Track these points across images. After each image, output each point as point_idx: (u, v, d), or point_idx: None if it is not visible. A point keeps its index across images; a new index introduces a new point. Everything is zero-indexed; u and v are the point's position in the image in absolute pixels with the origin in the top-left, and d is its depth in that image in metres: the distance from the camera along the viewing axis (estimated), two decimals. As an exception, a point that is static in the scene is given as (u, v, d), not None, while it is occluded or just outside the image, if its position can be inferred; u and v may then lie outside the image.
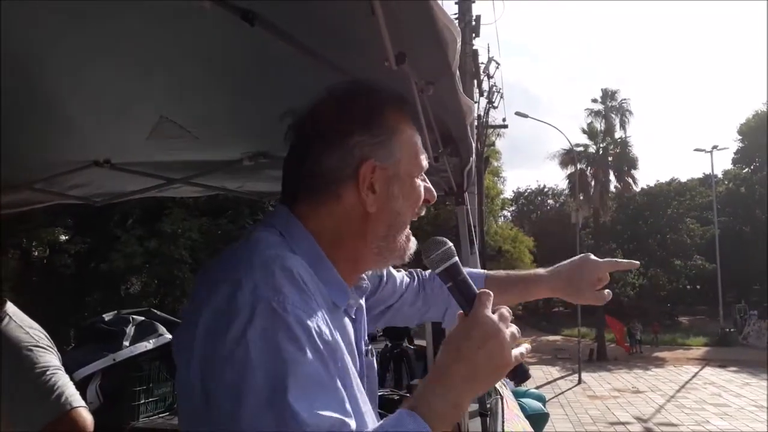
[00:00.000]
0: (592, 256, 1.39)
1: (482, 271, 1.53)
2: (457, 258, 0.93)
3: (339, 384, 0.78)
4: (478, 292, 0.89)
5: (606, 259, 1.39)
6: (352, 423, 0.75)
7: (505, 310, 0.88)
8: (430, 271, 1.44)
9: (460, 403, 0.83)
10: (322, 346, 0.78)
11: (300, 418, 0.71)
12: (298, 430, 0.71)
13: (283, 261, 0.83)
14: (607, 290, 1.38)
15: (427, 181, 1.04)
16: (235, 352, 0.74)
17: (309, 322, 0.78)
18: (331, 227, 0.95)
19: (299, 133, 0.99)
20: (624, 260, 1.42)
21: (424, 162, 1.03)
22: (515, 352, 0.86)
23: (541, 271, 1.48)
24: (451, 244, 0.95)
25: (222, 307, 0.79)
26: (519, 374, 0.88)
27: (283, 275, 0.81)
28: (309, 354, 0.76)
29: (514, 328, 0.87)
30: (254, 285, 0.79)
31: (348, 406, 0.78)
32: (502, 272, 1.53)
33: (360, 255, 0.98)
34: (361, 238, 0.96)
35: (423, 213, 1.03)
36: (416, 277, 1.46)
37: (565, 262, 1.42)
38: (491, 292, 0.88)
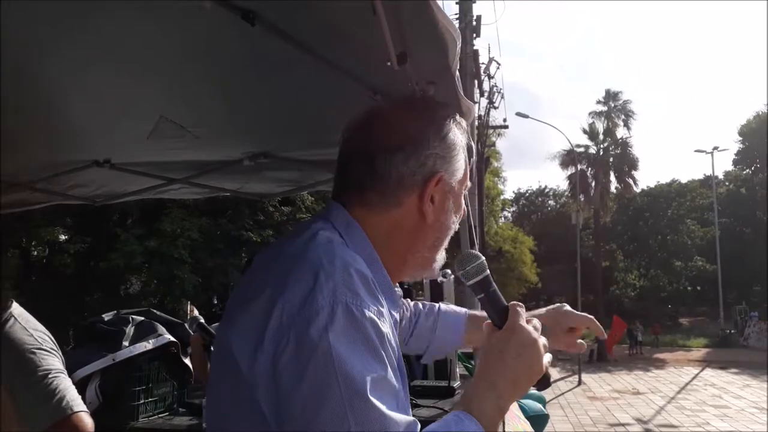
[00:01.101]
0: (567, 307, 1.41)
1: (464, 309, 1.54)
2: (488, 271, 0.97)
3: (404, 388, 0.82)
4: (508, 304, 0.95)
5: (581, 314, 1.42)
6: (418, 425, 0.79)
7: (537, 322, 0.95)
8: (414, 303, 1.47)
9: (505, 406, 0.89)
10: (391, 351, 0.81)
11: (383, 418, 0.74)
12: (381, 428, 0.73)
13: (358, 264, 0.85)
14: (580, 341, 1.41)
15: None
16: (316, 351, 0.75)
17: (382, 327, 0.80)
18: (385, 232, 0.95)
19: (366, 134, 0.97)
20: (598, 327, 1.42)
21: (469, 179, 1.06)
22: (544, 360, 0.93)
23: None
24: (483, 258, 0.98)
25: (299, 305, 0.78)
26: (543, 381, 0.95)
27: (359, 278, 0.82)
28: (384, 358, 0.78)
29: (544, 339, 0.94)
30: (334, 286, 0.79)
31: (409, 410, 0.82)
32: (480, 312, 1.54)
33: (405, 262, 0.99)
34: (410, 246, 0.98)
35: (458, 227, 1.06)
36: (406, 306, 1.47)
37: (541, 309, 1.44)
38: (522, 304, 0.95)
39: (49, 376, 1.56)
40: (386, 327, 0.82)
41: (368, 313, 0.79)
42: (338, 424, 0.73)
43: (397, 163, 0.94)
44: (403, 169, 0.94)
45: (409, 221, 0.96)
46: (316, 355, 0.74)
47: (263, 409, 0.78)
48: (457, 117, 1.03)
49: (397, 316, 0.99)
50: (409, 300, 1.49)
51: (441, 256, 1.03)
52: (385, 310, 0.84)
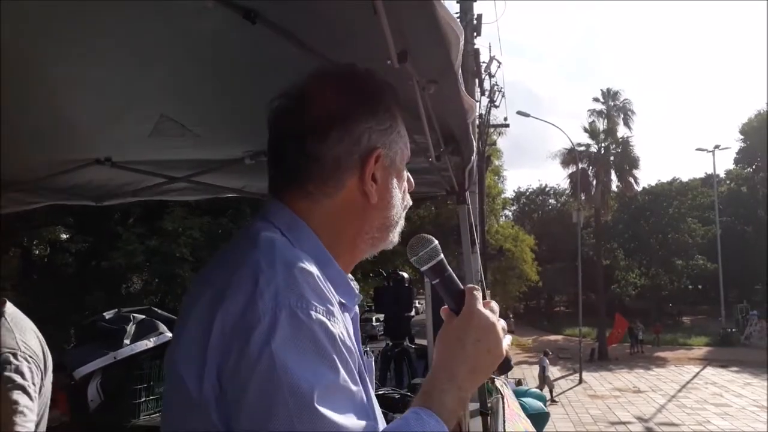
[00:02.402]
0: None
1: None
2: (442, 255, 0.94)
3: (362, 388, 0.77)
4: (464, 288, 0.91)
5: None
6: (379, 426, 0.76)
7: (494, 304, 0.92)
8: None
9: (466, 396, 0.85)
10: (345, 352, 0.76)
11: (334, 427, 0.69)
12: None
13: (303, 263, 0.78)
14: None
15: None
16: (259, 364, 0.69)
17: (332, 329, 0.75)
18: (330, 222, 0.89)
19: (294, 117, 0.90)
20: None
21: (410, 150, 1.00)
22: (504, 343, 0.89)
23: None
24: (436, 242, 0.94)
25: (240, 314, 0.73)
26: (504, 365, 0.91)
27: (304, 278, 0.76)
28: (336, 362, 0.73)
29: (503, 322, 0.91)
30: (275, 290, 0.73)
31: (370, 410, 0.77)
32: None
33: (356, 247, 0.94)
34: (358, 230, 0.92)
35: (410, 202, 1.00)
36: None
37: None
38: (478, 287, 0.91)
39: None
40: (338, 327, 0.76)
41: (315, 315, 0.73)
42: None
43: (332, 144, 0.87)
44: (338, 150, 0.87)
45: (354, 205, 0.90)
46: (259, 369, 0.69)
47: (221, 430, 0.73)
48: (391, 85, 0.96)
49: (356, 309, 0.94)
50: None
51: (395, 232, 0.96)
52: (336, 309, 0.78)
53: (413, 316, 5.16)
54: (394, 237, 0.97)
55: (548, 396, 16.76)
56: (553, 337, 34.38)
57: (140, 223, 13.12)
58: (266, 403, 0.69)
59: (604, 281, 32.35)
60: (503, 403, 3.12)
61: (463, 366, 0.85)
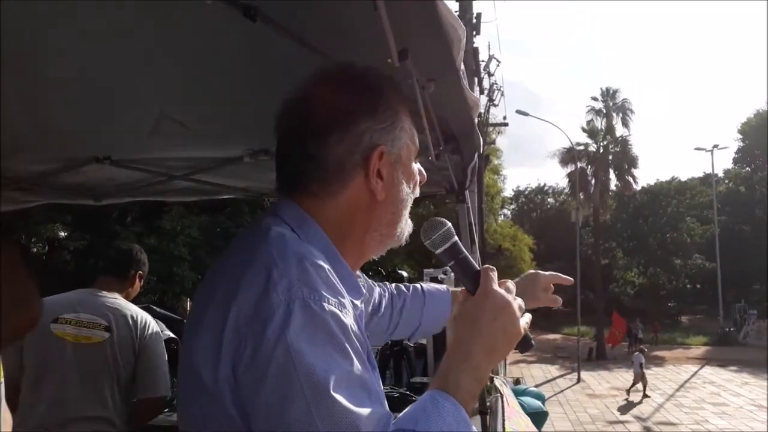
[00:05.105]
0: (535, 271, 1.51)
1: (444, 286, 1.53)
2: (456, 238, 0.94)
3: (374, 378, 0.79)
4: (480, 268, 0.92)
5: (548, 273, 1.53)
6: (391, 417, 0.76)
7: (510, 284, 0.92)
8: (394, 285, 1.45)
9: (483, 376, 0.85)
10: (357, 344, 0.77)
11: (351, 415, 0.70)
12: (350, 427, 0.70)
13: (314, 257, 0.81)
14: (557, 297, 1.50)
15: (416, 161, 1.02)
16: (274, 353, 0.71)
17: (344, 319, 0.77)
18: (338, 219, 0.91)
19: (295, 120, 0.92)
20: (564, 278, 1.53)
21: (417, 143, 1.00)
22: (521, 322, 0.89)
23: None
24: (450, 224, 0.95)
25: (254, 306, 0.75)
26: (525, 343, 0.91)
27: (316, 271, 0.78)
28: (349, 351, 0.75)
29: (520, 300, 0.90)
30: (289, 283, 0.75)
31: (383, 398, 0.79)
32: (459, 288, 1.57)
33: (365, 244, 0.95)
34: (367, 227, 0.93)
35: (418, 194, 1.01)
36: (387, 291, 1.43)
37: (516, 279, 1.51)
38: (494, 268, 0.91)
39: None
40: (349, 318, 0.78)
41: (328, 307, 0.75)
42: (305, 425, 0.70)
43: (332, 147, 0.88)
44: (339, 152, 0.89)
45: (361, 202, 0.91)
46: (275, 358, 0.71)
47: (237, 420, 0.75)
48: (393, 80, 0.97)
49: (361, 306, 0.95)
50: (387, 284, 1.45)
51: (402, 228, 0.97)
52: (347, 301, 0.80)
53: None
54: (403, 233, 0.98)
55: (641, 392, 16.69)
56: (551, 336, 34.39)
57: (138, 222, 13.13)
58: (283, 392, 0.71)
59: (602, 280, 32.38)
60: (502, 401, 3.12)
61: (479, 346, 0.85)
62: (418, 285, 1.47)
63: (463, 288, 0.93)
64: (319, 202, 0.91)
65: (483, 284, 0.89)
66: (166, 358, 2.64)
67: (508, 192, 42.77)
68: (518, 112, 24.19)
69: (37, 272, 1.16)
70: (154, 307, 3.51)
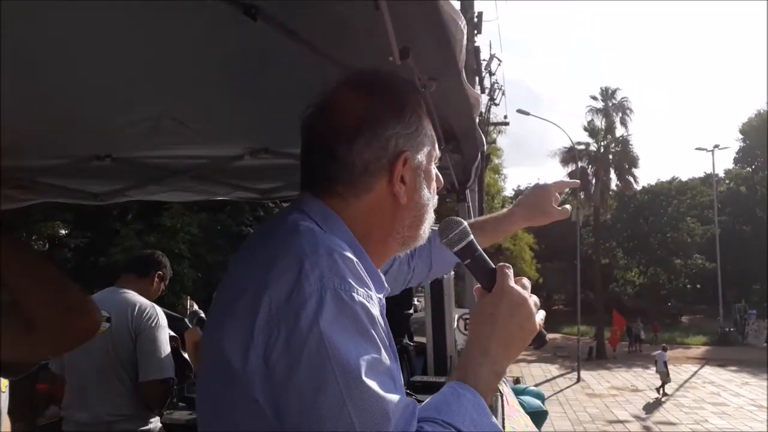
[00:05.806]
0: (543, 184, 1.58)
1: None
2: (472, 236, 0.96)
3: (398, 368, 0.82)
4: (496, 266, 0.94)
5: (555, 182, 1.60)
6: (417, 405, 0.79)
7: (525, 281, 0.95)
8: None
9: (501, 369, 0.89)
10: (384, 335, 0.81)
11: (381, 400, 0.73)
12: (381, 413, 0.73)
13: (343, 249, 0.83)
14: (566, 206, 1.58)
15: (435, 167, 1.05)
16: (308, 340, 0.74)
17: (372, 310, 0.80)
18: (361, 221, 0.93)
19: (324, 124, 0.94)
20: (570, 182, 1.65)
21: (437, 149, 1.03)
22: (537, 318, 0.92)
23: (506, 209, 1.68)
24: (466, 223, 0.96)
25: (287, 295, 0.77)
26: (539, 338, 0.94)
27: (345, 263, 0.81)
28: (377, 340, 0.78)
29: (535, 297, 0.93)
30: (321, 273, 0.78)
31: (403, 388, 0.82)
32: (475, 219, 1.66)
33: (386, 245, 0.98)
34: (389, 230, 0.96)
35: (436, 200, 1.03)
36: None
37: (521, 196, 1.63)
38: (509, 266, 0.94)
39: None
40: (376, 309, 0.81)
41: (357, 297, 0.78)
42: (337, 411, 0.72)
43: (360, 151, 0.91)
44: (366, 156, 0.91)
45: (384, 206, 0.94)
46: (308, 345, 0.74)
47: (262, 405, 0.77)
48: (416, 87, 1.01)
49: (383, 300, 0.97)
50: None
51: (425, 230, 1.00)
52: (373, 293, 0.83)
53: (412, 314, 5.17)
54: (425, 234, 1.01)
55: (660, 390, 16.73)
56: (551, 336, 33.91)
57: (139, 220, 13.13)
58: (316, 378, 0.73)
59: (602, 280, 32.39)
60: (502, 401, 3.12)
61: (496, 341, 0.88)
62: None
63: (478, 285, 0.95)
64: (343, 203, 0.93)
65: (500, 281, 0.92)
66: (169, 348, 2.68)
67: (508, 191, 42.63)
68: (519, 111, 24.20)
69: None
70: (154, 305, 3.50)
